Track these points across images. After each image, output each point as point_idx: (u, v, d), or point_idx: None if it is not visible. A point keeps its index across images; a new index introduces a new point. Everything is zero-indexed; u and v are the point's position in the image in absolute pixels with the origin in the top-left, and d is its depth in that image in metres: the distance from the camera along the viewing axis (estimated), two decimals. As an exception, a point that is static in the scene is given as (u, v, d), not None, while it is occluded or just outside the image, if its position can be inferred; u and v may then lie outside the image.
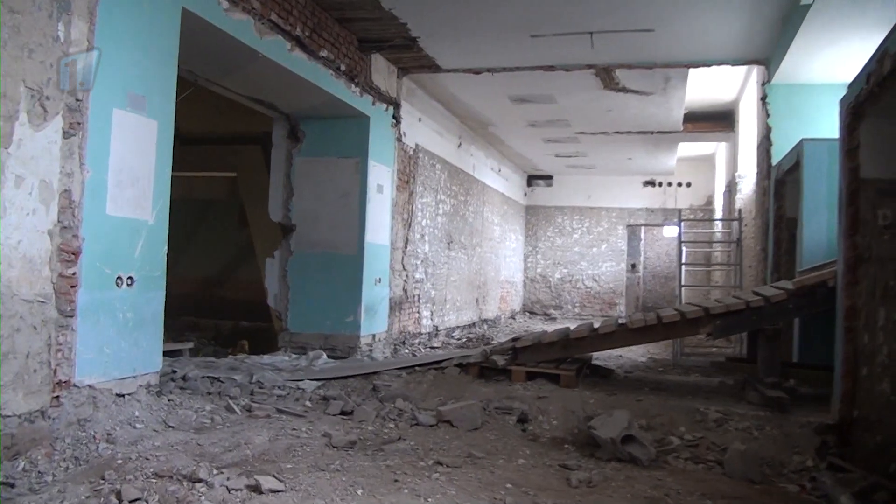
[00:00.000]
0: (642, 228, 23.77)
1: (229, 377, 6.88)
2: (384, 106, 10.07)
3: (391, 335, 10.53)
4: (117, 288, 5.28)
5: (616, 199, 21.28)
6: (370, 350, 9.68)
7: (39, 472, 4.34)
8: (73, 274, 4.89)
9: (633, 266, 23.91)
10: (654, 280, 25.80)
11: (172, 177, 5.91)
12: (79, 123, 4.95)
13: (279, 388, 6.65)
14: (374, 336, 9.89)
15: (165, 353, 8.30)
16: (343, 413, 5.87)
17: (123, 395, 5.39)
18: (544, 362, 6.76)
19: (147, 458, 4.47)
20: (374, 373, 6.84)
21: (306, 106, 9.16)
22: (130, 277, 5.41)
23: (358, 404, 6.04)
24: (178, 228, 16.93)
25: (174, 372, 6.96)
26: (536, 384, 6.59)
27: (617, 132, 14.65)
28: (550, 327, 17.67)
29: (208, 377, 6.87)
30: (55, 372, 4.75)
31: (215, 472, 4.20)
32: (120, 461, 4.45)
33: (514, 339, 7.28)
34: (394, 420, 5.64)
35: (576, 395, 6.30)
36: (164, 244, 5.79)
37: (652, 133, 14.60)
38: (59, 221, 4.74)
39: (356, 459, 4.61)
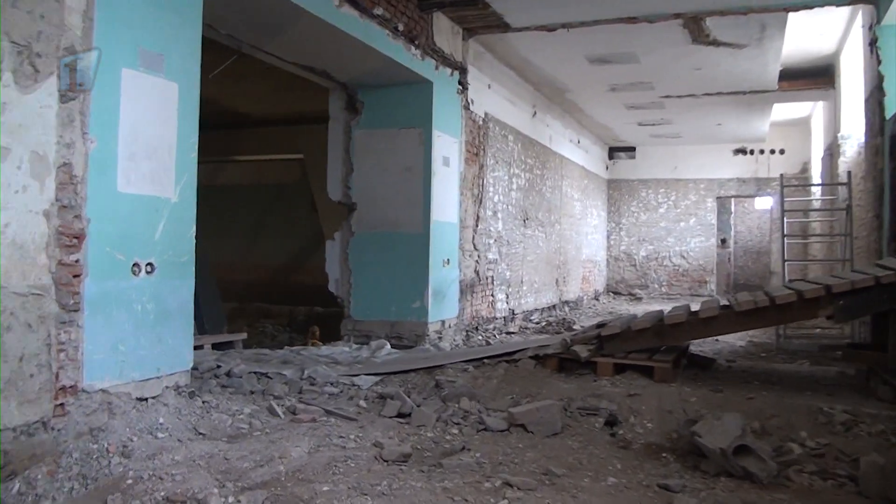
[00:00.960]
0: (732, 200, 22.30)
1: (279, 372, 6.16)
2: (448, 71, 9.19)
3: (462, 321, 9.69)
4: (134, 276, 4.58)
5: (704, 169, 19.88)
6: (439, 338, 8.87)
7: (37, 494, 3.67)
8: (77, 261, 4.20)
9: (724, 241, 22.50)
10: (746, 256, 24.31)
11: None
12: (80, 85, 4.24)
13: (332, 384, 5.90)
14: (443, 322, 9.07)
15: (216, 346, 7.70)
16: (400, 415, 5.06)
17: (146, 399, 4.71)
18: (635, 352, 5.79)
19: (161, 478, 3.75)
20: (438, 366, 5.99)
21: (362, 72, 8.36)
22: (150, 264, 4.69)
23: (418, 404, 5.22)
24: (250, 215, 16.83)
25: (218, 367, 6.30)
26: (626, 378, 5.62)
27: (706, 94, 13.39)
28: (636, 309, 16.60)
29: (255, 373, 6.18)
30: (57, 376, 4.07)
31: (232, 498, 3.44)
32: (130, 480, 3.75)
33: (599, 326, 6.32)
34: (458, 424, 4.79)
35: (673, 392, 5.32)
36: (191, 225, 5.06)
37: (744, 94, 13.29)
38: (57, 200, 4.04)
39: (408, 478, 3.79)
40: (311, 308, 13.35)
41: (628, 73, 11.93)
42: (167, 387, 4.88)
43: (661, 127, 16.91)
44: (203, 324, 11.16)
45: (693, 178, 20.03)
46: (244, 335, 8.05)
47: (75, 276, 4.19)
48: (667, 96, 13.61)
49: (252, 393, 5.64)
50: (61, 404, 4.14)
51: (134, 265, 4.57)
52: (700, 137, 18.47)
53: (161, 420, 4.64)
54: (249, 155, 17.00)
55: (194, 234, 5.07)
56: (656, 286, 20.37)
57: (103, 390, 4.39)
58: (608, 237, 20.64)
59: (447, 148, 9.14)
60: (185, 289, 5.01)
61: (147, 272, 4.67)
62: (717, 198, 20.15)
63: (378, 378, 5.93)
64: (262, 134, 16.04)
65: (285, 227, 15.57)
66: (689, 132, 17.65)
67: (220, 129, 16.46)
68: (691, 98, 13.67)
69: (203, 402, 5.15)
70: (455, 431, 4.67)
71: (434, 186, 8.77)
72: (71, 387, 4.18)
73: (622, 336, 5.77)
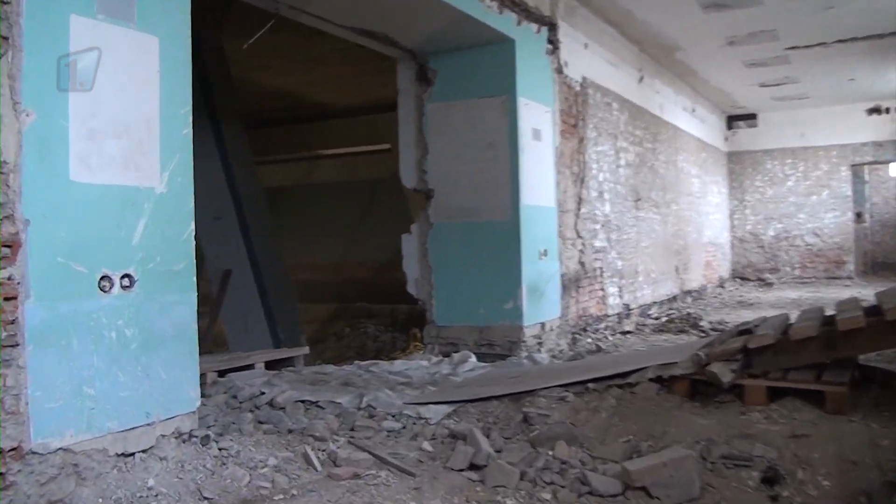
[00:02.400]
0: (866, 168, 19.76)
1: (332, 401, 4.92)
2: (534, 27, 7.74)
3: (566, 322, 8.24)
4: (103, 294, 3.41)
5: (835, 134, 17.48)
6: (539, 344, 7.46)
7: None
8: (11, 278, 3.06)
9: (859, 215, 20.01)
10: (883, 230, 21.60)
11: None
12: (4, 38, 3.10)
13: (393, 416, 4.61)
14: (542, 325, 7.65)
15: (269, 365, 6.55)
16: (473, 467, 3.71)
17: (131, 455, 3.55)
18: (794, 370, 4.21)
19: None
20: (527, 392, 4.59)
21: (430, 33, 7.02)
22: (127, 276, 3.52)
23: (498, 449, 3.86)
24: (348, 212, 16.12)
25: (261, 394, 5.12)
26: (786, 408, 4.01)
27: (838, 41, 11.32)
28: (767, 296, 14.63)
29: (304, 402, 4.97)
30: (-15, 438, 2.95)
31: None
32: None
33: (743, 332, 4.72)
34: (550, 484, 3.39)
35: (857, 431, 3.73)
36: (187, 222, 3.86)
37: (882, 37, 11.16)
38: (-29, 196, 2.91)
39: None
40: (413, 307, 12.47)
41: (748, 21, 10.12)
42: (163, 435, 3.71)
43: (786, 87, 14.84)
44: (277, 335, 10.18)
45: (823, 144, 17.70)
46: (305, 349, 6.87)
47: (9, 300, 3.05)
48: (793, 47, 11.67)
49: (290, 432, 4.41)
50: (1, 474, 3.02)
51: (102, 279, 3.40)
52: (830, 97, 16.21)
53: (151, 482, 3.47)
54: (336, 148, 16.16)
55: (193, 234, 3.86)
56: (788, 269, 18.19)
57: (64, 449, 3.25)
58: (731, 216, 18.59)
59: (537, 118, 7.70)
60: (182, 305, 3.81)
61: (123, 287, 3.49)
62: (852, 165, 17.81)
63: (451, 408, 4.60)
64: (347, 125, 15.11)
65: (383, 224, 14.69)
66: (818, 91, 15.45)
67: (303, 122, 15.62)
68: (821, 48, 11.67)
69: (220, 450, 3.96)
70: (547, 497, 3.28)
71: (523, 164, 7.35)
72: (12, 450, 3.06)
73: (777, 348, 4.17)
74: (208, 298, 12.39)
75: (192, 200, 3.86)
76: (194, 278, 3.85)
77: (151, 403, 3.62)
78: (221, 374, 5.74)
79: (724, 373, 4.03)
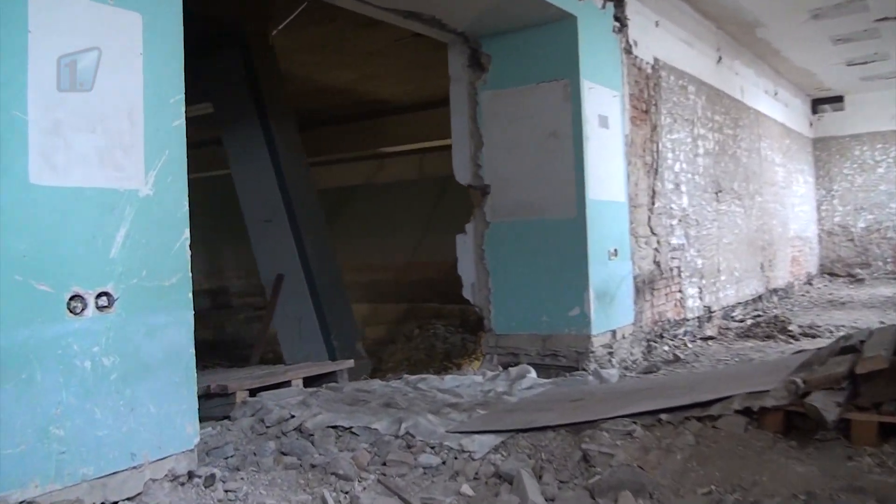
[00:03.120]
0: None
1: (367, 427, 4.31)
2: (598, 2, 7.00)
3: (640, 328, 7.47)
4: (73, 316, 2.87)
5: (929, 114, 16.15)
6: (609, 354, 6.73)
7: None
8: (-49, 302, 2.54)
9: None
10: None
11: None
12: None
13: (433, 448, 3.98)
14: (613, 333, 6.90)
15: (309, 381, 5.99)
16: (519, 521, 3.05)
17: (114, 506, 3.01)
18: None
19: None
20: (588, 423, 3.89)
21: (481, 12, 6.36)
22: (105, 294, 2.98)
23: (550, 498, 3.19)
24: (417, 211, 15.79)
25: (291, 417, 4.56)
26: (908, 450, 3.26)
27: (934, 11, 10.26)
28: (859, 294, 13.50)
29: (336, 427, 4.39)
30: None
31: None
32: None
33: (846, 349, 3.92)
34: (613, 551, 2.73)
35: None
36: (181, 228, 3.30)
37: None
38: None
39: None
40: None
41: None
42: (153, 479, 3.16)
43: (876, 65, 13.62)
44: (331, 342, 9.68)
45: (917, 126, 16.38)
46: (350, 363, 6.28)
47: (-51, 328, 2.54)
48: (883, 19, 10.58)
49: (313, 468, 3.82)
50: (-55, 537, 2.52)
51: (72, 299, 2.87)
52: (923, 73, 14.93)
53: (136, 539, 2.93)
54: (403, 145, 15.70)
55: (188, 242, 3.30)
56: (879, 263, 16.84)
57: (29, 502, 2.72)
58: (818, 207, 17.36)
59: (604, 104, 6.96)
60: (175, 327, 3.25)
61: (99, 308, 2.95)
62: (948, 146, 16.41)
63: (500, 439, 3.93)
64: (412, 121, 14.62)
65: (453, 222, 14.16)
66: (910, 67, 14.22)
67: (366, 119, 15.16)
68: (915, 19, 10.59)
69: (226, 493, 3.41)
70: (607, 569, 2.61)
71: (589, 155, 6.62)
72: (-43, 508, 2.55)
73: (891, 375, 3.36)
74: (262, 304, 12.06)
75: (186, 203, 3.30)
76: (190, 294, 3.29)
77: (138, 443, 3.08)
78: (253, 392, 5.22)
79: (827, 407, 3.23)
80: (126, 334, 3.04)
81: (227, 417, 4.78)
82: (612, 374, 5.82)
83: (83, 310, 2.90)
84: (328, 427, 4.38)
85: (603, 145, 6.92)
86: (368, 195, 19.68)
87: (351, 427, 4.36)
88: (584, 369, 6.31)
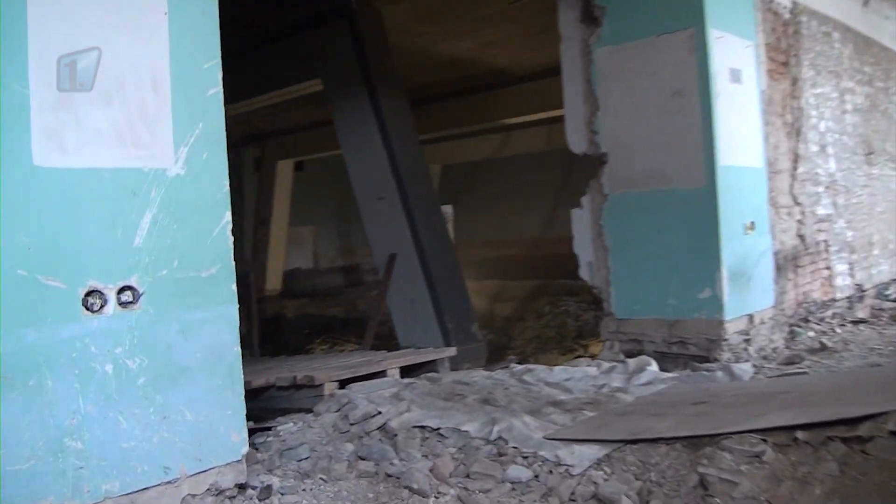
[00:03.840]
0: None
1: (456, 428, 3.80)
2: (728, -61, 6.16)
3: (782, 311, 6.59)
4: (89, 314, 2.48)
5: None
6: (746, 341, 5.93)
7: None
8: (-54, 301, 2.19)
9: None
10: None
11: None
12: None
13: (525, 458, 3.41)
14: (750, 318, 6.09)
15: (408, 370, 5.54)
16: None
17: (151, 529, 2.62)
18: None
19: None
20: (710, 437, 3.19)
21: (593, -41, 5.69)
22: (129, 289, 2.58)
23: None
24: (546, 185, 15.17)
25: (377, 414, 4.11)
26: None
27: None
28: None
29: (422, 428, 3.91)
30: None
31: None
32: None
33: None
34: None
35: None
36: (221, 212, 2.85)
37: None
38: None
39: None
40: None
41: None
42: (192, 495, 2.76)
43: None
44: (445, 325, 9.24)
45: None
46: (453, 350, 5.80)
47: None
48: None
49: (388, 477, 3.35)
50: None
51: (89, 294, 2.48)
52: None
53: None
54: (526, 115, 15.05)
55: (230, 227, 2.86)
56: None
57: (43, 526, 2.37)
58: None
59: (735, 55, 6.11)
60: (215, 324, 2.82)
61: (122, 304, 2.56)
62: None
63: (604, 450, 3.32)
64: (535, 90, 13.94)
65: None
66: None
67: (484, 90, 14.61)
68: None
69: (281, 510, 2.99)
70: None
71: (718, 115, 5.81)
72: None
73: None
74: (377, 284, 11.78)
75: (227, 183, 2.85)
76: (233, 286, 2.85)
77: (172, 455, 2.68)
78: (343, 384, 4.82)
79: None
80: (155, 333, 2.64)
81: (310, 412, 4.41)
82: (743, 369, 5.05)
83: (102, 307, 2.52)
84: (414, 427, 3.90)
85: (735, 104, 6.09)
86: (495, 169, 19.16)
87: (439, 428, 3.87)
88: (715, 359, 5.57)
